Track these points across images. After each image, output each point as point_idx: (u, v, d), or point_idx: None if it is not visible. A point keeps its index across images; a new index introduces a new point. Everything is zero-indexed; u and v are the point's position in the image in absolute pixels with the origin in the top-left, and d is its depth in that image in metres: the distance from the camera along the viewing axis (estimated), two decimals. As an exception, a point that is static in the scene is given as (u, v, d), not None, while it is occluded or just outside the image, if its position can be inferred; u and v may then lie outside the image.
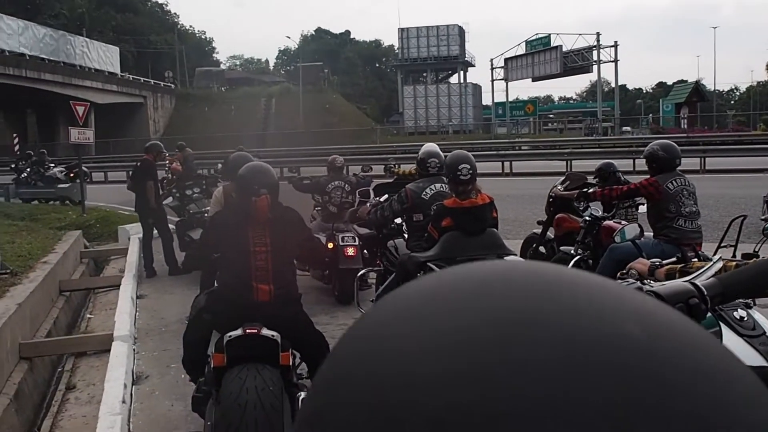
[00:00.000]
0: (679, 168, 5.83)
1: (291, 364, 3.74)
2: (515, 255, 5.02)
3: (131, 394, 5.11)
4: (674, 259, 2.87)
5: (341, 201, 8.13)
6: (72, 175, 19.30)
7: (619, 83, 64.94)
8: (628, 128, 63.30)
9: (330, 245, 7.35)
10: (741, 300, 2.84)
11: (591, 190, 6.49)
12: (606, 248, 5.89)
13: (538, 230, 7.76)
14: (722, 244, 4.06)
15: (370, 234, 6.86)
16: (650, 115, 67.60)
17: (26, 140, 49.62)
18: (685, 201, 5.64)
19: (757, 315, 2.91)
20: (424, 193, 5.70)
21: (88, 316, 8.26)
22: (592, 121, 62.02)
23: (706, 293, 1.71)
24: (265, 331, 3.62)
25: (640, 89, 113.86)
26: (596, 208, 6.68)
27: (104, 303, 8.55)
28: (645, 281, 3.01)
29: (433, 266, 4.60)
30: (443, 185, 5.60)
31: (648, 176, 5.81)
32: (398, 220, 6.03)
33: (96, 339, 6.62)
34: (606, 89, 70.87)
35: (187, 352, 4.16)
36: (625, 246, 5.29)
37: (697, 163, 23.06)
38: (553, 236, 7.44)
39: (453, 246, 4.72)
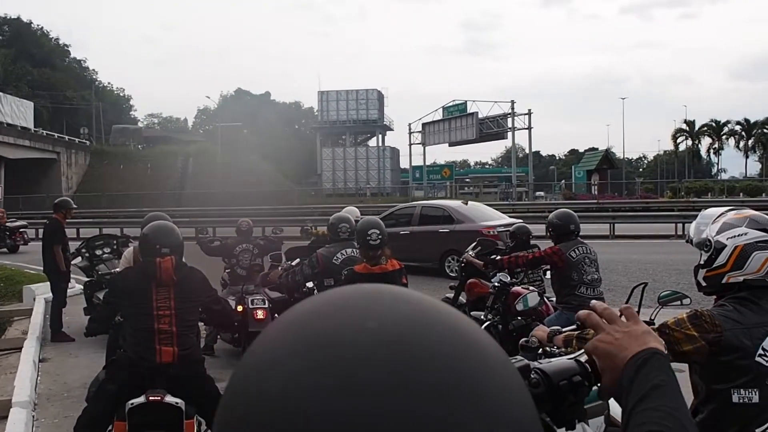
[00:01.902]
0: (579, 235, 6.06)
1: None
2: None
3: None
4: (573, 326, 2.97)
5: (249, 264, 8.21)
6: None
7: (533, 149, 67.09)
8: (542, 193, 65.31)
9: (239, 308, 7.31)
10: None
11: (498, 257, 6.63)
12: (515, 314, 6.12)
13: (451, 294, 7.85)
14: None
15: (281, 298, 6.88)
16: (563, 181, 69.85)
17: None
18: (587, 269, 5.82)
19: None
20: (335, 258, 5.80)
21: (-14, 380, 7.96)
22: (506, 186, 63.65)
23: (590, 369, 1.81)
24: (169, 398, 3.57)
25: (554, 155, 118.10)
26: (505, 274, 6.71)
27: (4, 366, 8.24)
28: (546, 348, 3.17)
29: None
30: (354, 250, 5.73)
31: (552, 245, 6.05)
32: (310, 284, 6.01)
33: (-7, 404, 6.40)
34: (520, 155, 72.94)
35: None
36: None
37: (607, 228, 23.85)
38: (465, 301, 7.59)
39: None
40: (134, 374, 3.72)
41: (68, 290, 9.93)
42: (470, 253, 7.52)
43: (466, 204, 15.92)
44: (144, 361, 3.73)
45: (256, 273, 8.16)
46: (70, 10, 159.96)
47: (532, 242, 7.66)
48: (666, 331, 2.43)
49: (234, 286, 8.06)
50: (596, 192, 52.53)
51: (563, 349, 2.85)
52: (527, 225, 8.07)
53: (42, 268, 10.06)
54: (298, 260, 6.45)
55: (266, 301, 7.55)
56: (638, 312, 3.79)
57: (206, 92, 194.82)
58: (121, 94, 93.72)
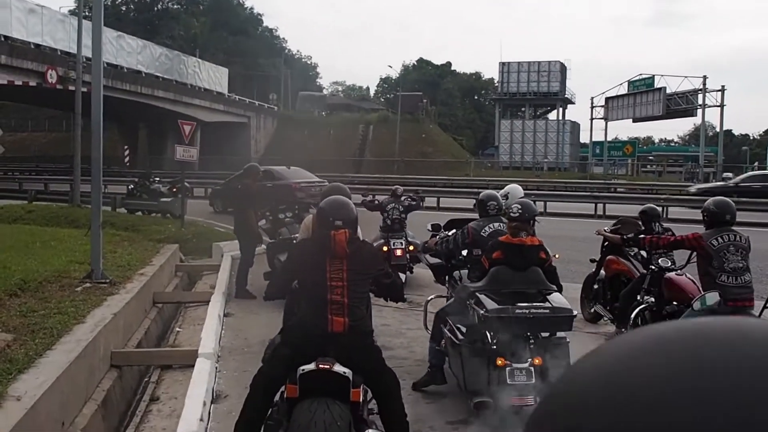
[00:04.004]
0: (732, 224, 5.92)
1: (361, 400, 3.80)
2: (556, 291, 5.41)
3: (209, 413, 5.29)
4: None
5: (398, 217, 10.86)
6: (175, 189, 20.14)
7: (725, 128, 62.68)
8: (730, 174, 60.85)
9: (385, 248, 10.24)
10: None
11: (641, 236, 6.70)
12: (668, 299, 6.38)
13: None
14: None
15: (438, 263, 7.15)
16: (756, 163, 64.83)
17: (136, 153, 51.96)
18: (730, 257, 5.68)
19: None
20: (483, 231, 6.22)
21: (177, 329, 8.59)
22: (693, 166, 59.96)
23: None
24: (338, 367, 3.69)
25: (747, 135, 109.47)
26: (665, 259, 6.84)
27: (193, 318, 8.86)
28: None
29: (480, 296, 5.20)
30: (501, 224, 6.16)
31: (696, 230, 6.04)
32: (465, 252, 6.42)
33: (182, 353, 6.89)
34: (710, 133, 68.50)
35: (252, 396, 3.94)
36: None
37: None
38: (603, 276, 8.05)
39: (499, 279, 5.34)
40: (307, 341, 3.87)
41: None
42: (606, 228, 7.95)
43: (288, 168, 22.17)
44: (316, 329, 3.87)
45: (398, 224, 10.78)
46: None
47: (666, 225, 7.85)
48: None
49: (384, 233, 10.76)
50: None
51: None
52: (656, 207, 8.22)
53: (233, 228, 10.68)
54: (453, 231, 6.90)
55: (403, 243, 10.55)
56: None
57: (389, 62, 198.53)
58: (308, 62, 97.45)
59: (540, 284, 5.35)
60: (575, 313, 5.33)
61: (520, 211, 5.44)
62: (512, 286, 5.28)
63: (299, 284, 4.30)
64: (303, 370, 3.68)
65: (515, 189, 8.20)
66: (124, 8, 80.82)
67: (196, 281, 11.62)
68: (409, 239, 10.61)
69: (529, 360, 4.94)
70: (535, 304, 5.12)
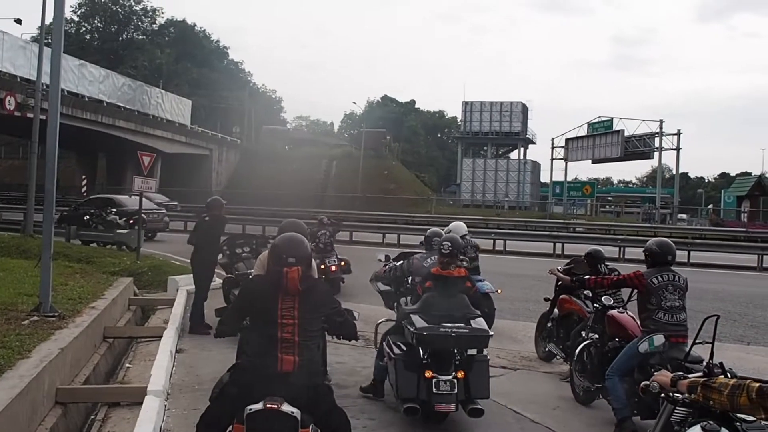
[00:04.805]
0: (672, 265, 6.17)
1: None
2: (479, 316, 6.20)
3: (155, 453, 5.13)
4: (700, 373, 2.91)
5: (325, 241, 13.44)
6: (131, 221, 19.86)
7: (681, 171, 64.12)
8: (684, 216, 61.99)
9: (322, 266, 12.45)
10: (767, 423, 2.81)
11: (586, 277, 6.92)
12: (611, 336, 6.59)
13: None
14: (696, 341, 4.24)
15: (388, 290, 7.84)
16: (710, 205, 66.27)
17: (95, 183, 51.26)
18: (668, 296, 5.94)
19: None
20: (425, 261, 7.15)
21: (128, 365, 8.38)
22: (649, 207, 61.07)
23: None
24: (286, 407, 3.62)
25: (702, 178, 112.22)
26: (607, 297, 7.16)
27: (145, 353, 8.66)
28: (670, 394, 3.07)
29: (412, 317, 6.04)
30: None
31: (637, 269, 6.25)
32: (409, 279, 7.32)
33: (130, 390, 6.70)
34: (667, 176, 69.90)
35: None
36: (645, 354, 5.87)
37: (755, 260, 22.39)
38: (556, 315, 8.38)
39: (430, 303, 6.18)
40: (255, 380, 3.79)
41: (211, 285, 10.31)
42: (559, 268, 8.23)
43: (130, 197, 23.56)
44: (265, 368, 3.80)
45: (330, 246, 13.39)
46: (230, 14, 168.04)
47: (610, 266, 8.06)
48: None
49: (318, 254, 12.56)
50: (746, 220, 48.91)
51: (687, 396, 2.89)
52: (601, 249, 8.50)
53: (189, 260, 10.52)
54: (401, 261, 7.80)
55: (336, 260, 13.22)
56: (712, 348, 3.55)
57: (353, 98, 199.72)
58: (273, 96, 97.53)
59: (465, 309, 6.17)
60: (491, 333, 6.08)
61: (450, 248, 6.40)
62: (441, 310, 6.08)
63: (250, 321, 4.23)
64: (250, 409, 3.61)
65: (458, 226, 9.69)
66: (88, 37, 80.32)
67: (149, 316, 11.39)
68: (338, 257, 13.46)
69: (453, 373, 5.80)
70: (457, 324, 5.95)
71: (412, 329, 5.90)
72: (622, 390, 5.91)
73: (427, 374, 5.77)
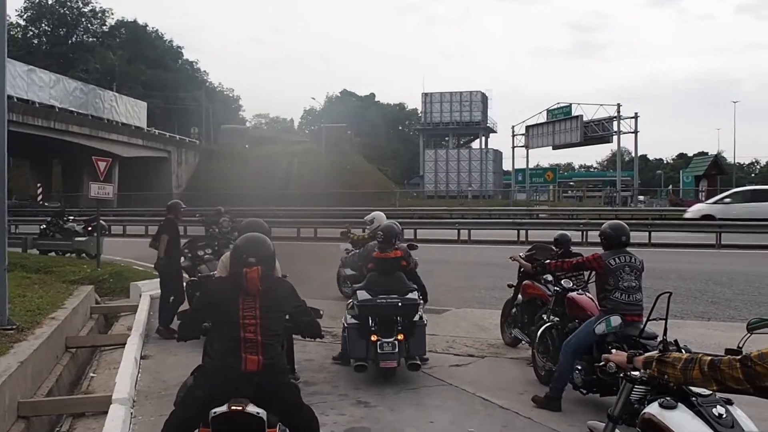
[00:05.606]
0: (628, 246, 6.38)
1: None
2: (414, 290, 7.54)
3: (122, 462, 5.04)
4: (656, 351, 2.95)
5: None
6: (90, 228, 19.49)
7: (640, 153, 65.06)
8: (642, 197, 62.85)
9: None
10: (721, 396, 2.87)
11: (546, 261, 7.21)
12: (571, 317, 6.77)
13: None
14: (651, 318, 4.31)
15: (353, 274, 9.51)
16: (670, 186, 67.34)
17: (50, 190, 50.39)
18: (624, 276, 6.16)
19: (738, 412, 2.92)
20: (375, 250, 8.14)
21: (92, 374, 8.23)
22: (611, 190, 61.86)
23: None
24: (251, 408, 3.60)
25: (661, 159, 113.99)
26: (568, 280, 7.37)
27: (109, 361, 8.52)
28: (627, 372, 3.10)
29: (358, 292, 7.46)
30: None
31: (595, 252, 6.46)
32: (370, 266, 8.10)
33: (95, 400, 6.58)
34: (626, 158, 70.94)
35: None
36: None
37: (714, 238, 22.77)
38: (520, 301, 8.53)
39: (372, 281, 7.55)
40: (220, 381, 3.77)
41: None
42: (521, 255, 8.38)
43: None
44: (230, 369, 3.78)
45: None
46: (183, 13, 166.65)
47: (574, 250, 8.16)
48: (748, 363, 2.38)
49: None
50: (704, 198, 49.81)
51: (643, 371, 2.97)
52: (568, 233, 8.77)
53: (153, 265, 10.39)
54: (361, 248, 9.90)
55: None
56: (665, 324, 3.60)
57: (312, 93, 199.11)
58: (231, 95, 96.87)
59: (401, 284, 7.50)
60: (420, 302, 7.45)
61: (383, 236, 7.94)
62: (381, 285, 7.43)
63: (212, 323, 4.19)
64: (215, 412, 3.58)
65: (379, 216, 10.91)
66: (36, 41, 78.89)
67: (113, 323, 11.20)
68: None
69: (395, 337, 7.04)
70: (392, 296, 7.24)
71: (356, 302, 7.34)
72: (569, 369, 6.18)
73: (373, 338, 7.04)
